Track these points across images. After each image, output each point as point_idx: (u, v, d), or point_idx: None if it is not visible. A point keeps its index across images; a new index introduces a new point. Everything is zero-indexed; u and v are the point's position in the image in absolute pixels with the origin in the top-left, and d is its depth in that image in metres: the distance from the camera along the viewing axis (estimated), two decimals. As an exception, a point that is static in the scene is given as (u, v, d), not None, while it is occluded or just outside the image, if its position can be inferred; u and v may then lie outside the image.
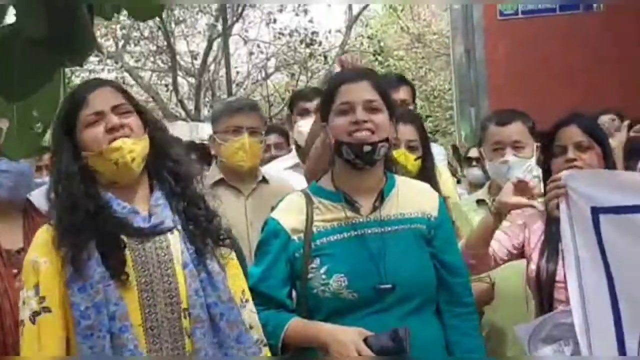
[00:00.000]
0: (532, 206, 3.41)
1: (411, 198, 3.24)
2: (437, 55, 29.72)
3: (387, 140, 3.16)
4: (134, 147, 2.80)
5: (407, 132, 3.98)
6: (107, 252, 2.73)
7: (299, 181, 4.68)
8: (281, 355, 3.05)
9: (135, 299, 2.74)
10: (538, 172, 4.05)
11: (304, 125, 5.07)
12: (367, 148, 3.08)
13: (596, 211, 3.09)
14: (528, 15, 12.53)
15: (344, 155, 3.12)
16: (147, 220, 2.82)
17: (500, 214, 3.42)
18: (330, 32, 26.53)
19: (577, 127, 3.54)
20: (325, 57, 26.09)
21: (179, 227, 2.87)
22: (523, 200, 3.37)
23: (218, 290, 2.83)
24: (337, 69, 3.71)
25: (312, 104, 5.14)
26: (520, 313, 3.82)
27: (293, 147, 5.42)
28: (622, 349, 3.04)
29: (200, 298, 2.78)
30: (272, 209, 3.81)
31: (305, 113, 5.16)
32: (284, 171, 5.01)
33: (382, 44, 29.06)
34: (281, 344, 3.05)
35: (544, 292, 3.45)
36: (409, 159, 3.94)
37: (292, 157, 5.29)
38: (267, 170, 4.72)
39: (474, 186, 6.54)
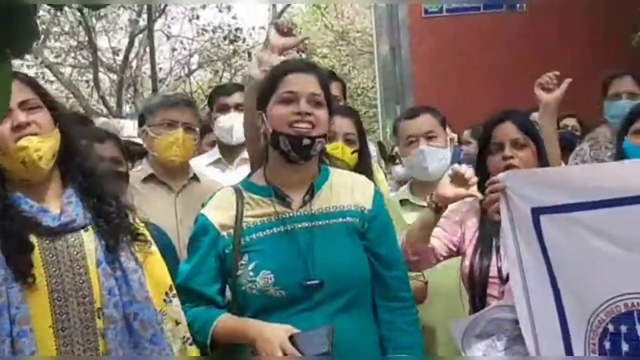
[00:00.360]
0: (472, 195, 3.42)
1: (344, 191, 3.18)
2: (360, 53, 29.80)
3: (324, 136, 3.13)
4: (40, 146, 2.72)
5: (344, 125, 3.96)
6: (13, 254, 2.65)
7: (221, 177, 4.71)
8: (210, 353, 3.00)
9: (45, 300, 2.66)
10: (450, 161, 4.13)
11: (225, 121, 5.07)
12: (306, 142, 3.03)
13: (536, 212, 3.07)
14: (453, 13, 12.64)
15: (280, 145, 3.05)
16: (58, 218, 2.74)
17: (439, 208, 3.41)
18: (254, 28, 26.40)
19: (513, 124, 3.56)
20: (249, 54, 25.89)
21: (93, 224, 2.80)
22: (462, 191, 3.37)
23: (133, 289, 2.76)
24: (273, 34, 3.69)
25: (233, 99, 5.14)
26: (454, 311, 3.84)
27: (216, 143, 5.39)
28: (568, 349, 3.02)
29: (114, 297, 2.71)
30: (203, 206, 3.74)
31: (225, 108, 5.16)
32: (205, 167, 5.01)
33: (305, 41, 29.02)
34: (210, 340, 2.99)
35: (478, 288, 3.47)
36: (346, 151, 3.93)
37: (214, 153, 5.29)
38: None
39: (400, 184, 6.57)
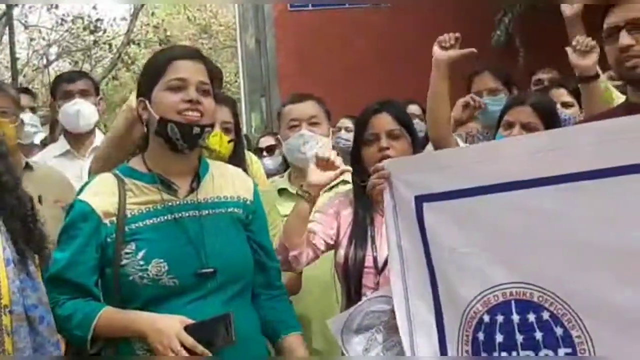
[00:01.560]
0: (345, 171, 3.43)
1: (225, 182, 3.16)
2: (223, 47, 29.75)
3: (212, 126, 3.09)
4: None
5: (222, 113, 3.89)
6: None
7: (71, 168, 4.65)
8: (91, 348, 2.87)
9: None
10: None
11: (70, 107, 5.02)
12: (196, 130, 2.96)
13: (420, 200, 3.04)
14: (318, 7, 12.73)
15: (168, 132, 2.96)
16: None
17: (312, 197, 3.40)
18: (115, 19, 26.14)
19: (389, 114, 3.57)
20: (110, 45, 25.60)
21: (1, 223, 2.72)
22: (331, 174, 3.38)
23: (38, 291, 2.71)
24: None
25: (76, 86, 5.06)
26: (328, 302, 3.83)
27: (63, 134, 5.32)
28: (442, 343, 2.99)
29: (21, 297, 2.65)
30: (39, 197, 3.59)
31: (69, 95, 5.06)
32: (53, 159, 4.93)
33: (168, 33, 28.71)
34: (91, 335, 2.86)
35: (353, 279, 3.46)
36: (223, 140, 3.85)
37: (62, 145, 5.19)
38: (36, 159, 4.63)
39: (268, 176, 6.57)
